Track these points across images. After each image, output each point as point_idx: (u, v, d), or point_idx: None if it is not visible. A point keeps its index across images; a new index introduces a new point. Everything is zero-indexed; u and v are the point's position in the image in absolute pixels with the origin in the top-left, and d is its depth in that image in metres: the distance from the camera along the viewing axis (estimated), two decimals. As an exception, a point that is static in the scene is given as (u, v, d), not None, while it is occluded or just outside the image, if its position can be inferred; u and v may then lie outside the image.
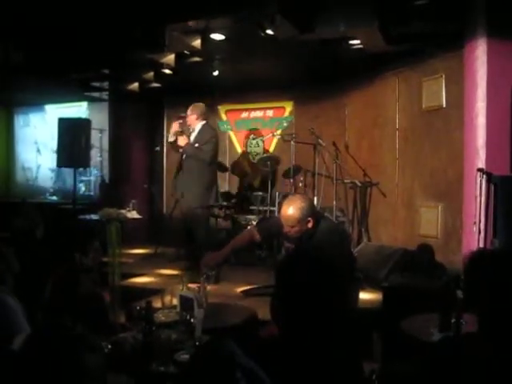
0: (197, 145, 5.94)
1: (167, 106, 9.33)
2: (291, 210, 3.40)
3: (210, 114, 8.64)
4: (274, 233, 3.82)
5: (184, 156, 6.03)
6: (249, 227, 5.67)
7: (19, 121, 10.25)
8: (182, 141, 5.99)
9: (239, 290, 5.04)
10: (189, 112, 6.07)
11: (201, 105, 6.11)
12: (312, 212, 3.46)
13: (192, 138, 6.06)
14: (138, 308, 2.72)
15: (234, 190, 8.42)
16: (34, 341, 1.37)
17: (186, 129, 6.14)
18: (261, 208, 7.01)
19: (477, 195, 4.66)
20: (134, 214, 5.43)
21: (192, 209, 5.88)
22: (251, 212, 7.23)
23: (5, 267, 2.94)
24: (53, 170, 9.34)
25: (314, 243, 3.40)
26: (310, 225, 3.43)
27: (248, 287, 5.06)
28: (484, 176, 4.63)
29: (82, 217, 5.66)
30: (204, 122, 6.08)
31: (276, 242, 6.25)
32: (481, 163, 4.72)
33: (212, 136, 6.06)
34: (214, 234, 6.92)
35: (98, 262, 3.45)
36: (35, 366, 1.30)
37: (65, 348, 1.32)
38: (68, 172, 8.24)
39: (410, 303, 3.96)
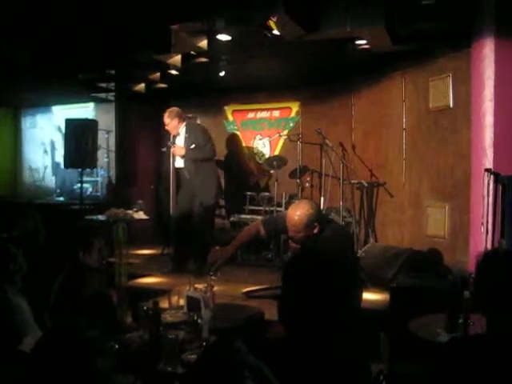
0: (193, 146, 5.92)
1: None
2: (298, 216, 3.36)
3: (216, 114, 8.73)
4: (279, 229, 3.77)
5: (180, 166, 6.04)
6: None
7: (26, 122, 10.30)
8: (179, 151, 5.97)
9: (244, 290, 5.04)
10: (168, 120, 6.08)
11: (176, 108, 6.20)
12: (318, 218, 3.42)
13: (181, 141, 6.05)
14: (145, 308, 2.73)
15: (239, 190, 8.40)
16: (46, 344, 1.38)
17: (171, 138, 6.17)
18: (267, 208, 7.00)
19: (484, 195, 4.64)
20: (140, 215, 5.45)
21: (201, 207, 5.90)
22: (257, 212, 7.21)
23: (15, 268, 2.95)
24: (54, 172, 9.40)
25: (319, 245, 3.38)
26: (315, 230, 3.40)
27: (250, 288, 5.04)
28: (491, 176, 4.61)
29: (88, 217, 5.68)
30: (185, 122, 6.11)
31: (282, 242, 6.25)
32: (488, 163, 4.70)
33: (203, 131, 6.10)
34: (218, 232, 6.96)
35: (102, 262, 3.46)
36: (47, 369, 1.31)
37: (76, 352, 1.32)
38: (68, 172, 8.27)
39: (417, 303, 3.94)
